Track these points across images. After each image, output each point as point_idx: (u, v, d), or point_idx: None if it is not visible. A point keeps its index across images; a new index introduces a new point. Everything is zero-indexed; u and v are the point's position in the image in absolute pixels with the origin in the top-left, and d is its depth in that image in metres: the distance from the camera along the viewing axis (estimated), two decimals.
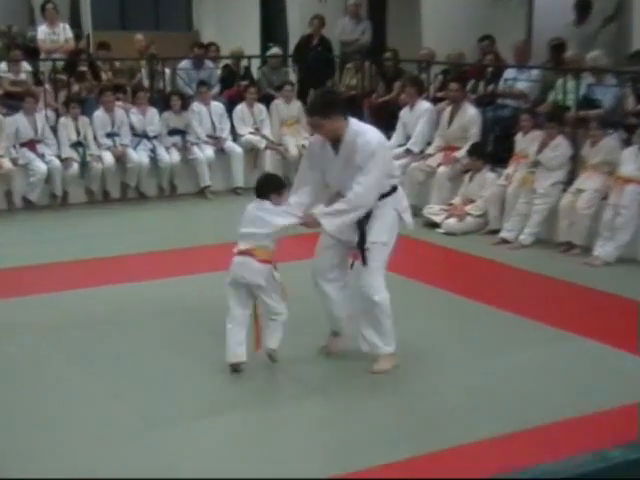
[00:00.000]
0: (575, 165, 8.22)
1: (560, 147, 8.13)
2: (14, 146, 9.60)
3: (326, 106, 4.97)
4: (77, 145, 9.87)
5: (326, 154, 5.06)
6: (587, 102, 8.44)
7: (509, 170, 8.55)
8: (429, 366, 5.35)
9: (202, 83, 10.78)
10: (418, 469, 4.12)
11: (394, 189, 5.14)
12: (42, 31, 11.46)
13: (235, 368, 5.10)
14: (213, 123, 10.65)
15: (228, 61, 11.94)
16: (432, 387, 5.06)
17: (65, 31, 11.52)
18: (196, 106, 10.60)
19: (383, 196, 5.04)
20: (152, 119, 10.33)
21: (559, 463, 1.58)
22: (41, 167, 9.52)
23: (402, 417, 4.72)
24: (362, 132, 4.98)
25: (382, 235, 5.05)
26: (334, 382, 5.16)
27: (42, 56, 11.32)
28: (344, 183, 4.98)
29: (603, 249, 7.51)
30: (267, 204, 5.16)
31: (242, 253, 5.13)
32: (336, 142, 5.00)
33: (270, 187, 5.23)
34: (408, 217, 5.23)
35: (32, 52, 11.76)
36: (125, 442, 4.40)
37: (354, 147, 4.91)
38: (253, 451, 4.33)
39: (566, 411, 4.68)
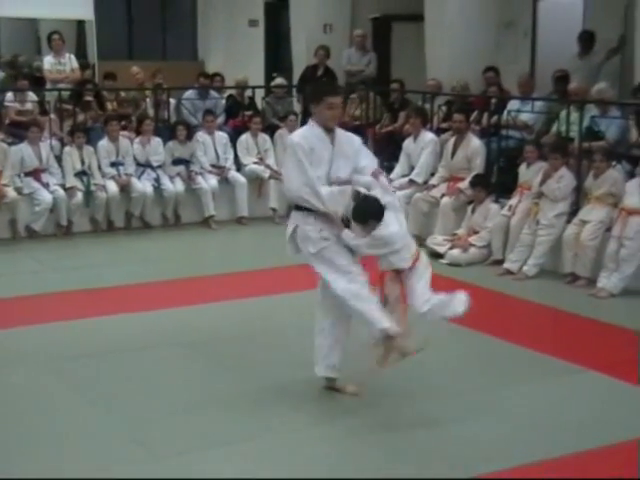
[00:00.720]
0: (579, 196, 8.21)
1: (564, 178, 8.13)
2: (19, 175, 9.62)
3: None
4: (81, 174, 9.89)
5: (325, 146, 5.11)
6: (591, 133, 8.45)
7: (513, 201, 8.55)
8: (432, 398, 5.30)
9: (208, 112, 10.83)
10: None
11: None
12: (48, 61, 11.53)
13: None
14: (217, 153, 10.68)
15: (232, 91, 11.99)
16: (435, 419, 5.02)
17: (71, 61, 11.59)
18: (200, 136, 10.64)
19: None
20: (156, 149, 10.36)
21: None
22: (46, 197, 9.54)
23: (413, 446, 4.67)
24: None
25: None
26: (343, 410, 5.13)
27: (48, 86, 11.37)
28: (337, 172, 5.08)
29: (608, 280, 7.48)
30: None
31: None
32: (331, 131, 5.14)
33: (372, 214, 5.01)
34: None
35: (38, 82, 11.83)
36: (130, 474, 4.35)
37: (345, 138, 5.18)
38: None
39: (570, 445, 4.64)
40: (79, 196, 9.74)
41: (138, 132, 10.49)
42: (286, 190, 5.25)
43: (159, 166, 10.34)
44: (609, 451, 4.56)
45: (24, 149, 9.68)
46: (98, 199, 9.85)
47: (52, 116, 10.42)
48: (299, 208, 5.12)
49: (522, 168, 8.63)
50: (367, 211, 4.98)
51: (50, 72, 11.46)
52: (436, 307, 5.15)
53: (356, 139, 5.25)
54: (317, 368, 5.28)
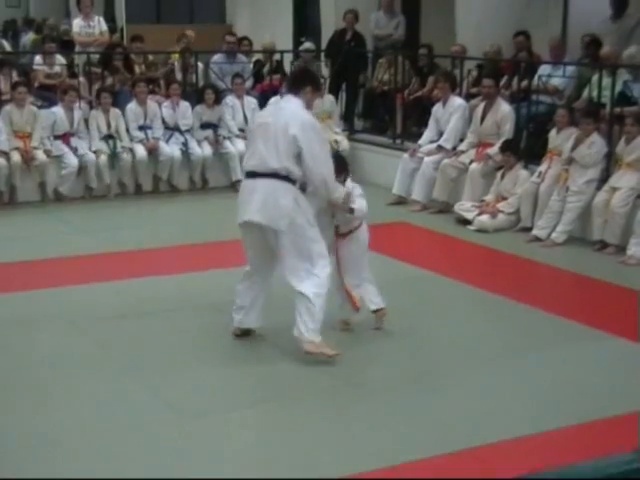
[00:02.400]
0: (610, 163, 8.12)
1: (595, 144, 8.03)
2: (48, 138, 9.67)
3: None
4: (108, 137, 9.91)
5: None
6: (623, 99, 8.33)
7: (542, 167, 8.47)
8: (461, 364, 5.31)
9: (237, 76, 10.80)
10: (446, 468, 4.11)
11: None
12: (77, 24, 11.51)
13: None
14: (245, 117, 10.66)
15: (259, 56, 11.93)
16: (465, 385, 5.03)
17: (100, 24, 11.57)
18: (230, 100, 10.61)
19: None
20: (184, 113, 10.35)
21: (595, 462, 1.55)
22: (73, 160, 9.58)
23: (435, 416, 4.68)
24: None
25: None
26: (367, 376, 5.14)
27: (77, 49, 11.37)
28: None
29: (638, 248, 7.41)
30: None
31: None
32: None
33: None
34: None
35: (66, 45, 11.83)
36: (156, 433, 4.41)
37: None
38: (282, 444, 4.33)
39: (598, 411, 4.63)
40: (102, 159, 9.75)
41: (167, 95, 10.49)
42: (319, 174, 5.15)
43: (187, 130, 10.34)
44: (632, 418, 4.54)
45: (57, 112, 9.72)
46: (123, 161, 9.87)
47: (81, 79, 10.43)
48: (302, 188, 5.25)
49: (552, 133, 8.54)
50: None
51: (79, 35, 11.45)
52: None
53: None
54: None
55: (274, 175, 5.12)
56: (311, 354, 5.12)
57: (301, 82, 5.39)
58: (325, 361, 5.17)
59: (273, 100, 5.46)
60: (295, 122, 5.13)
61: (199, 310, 6.22)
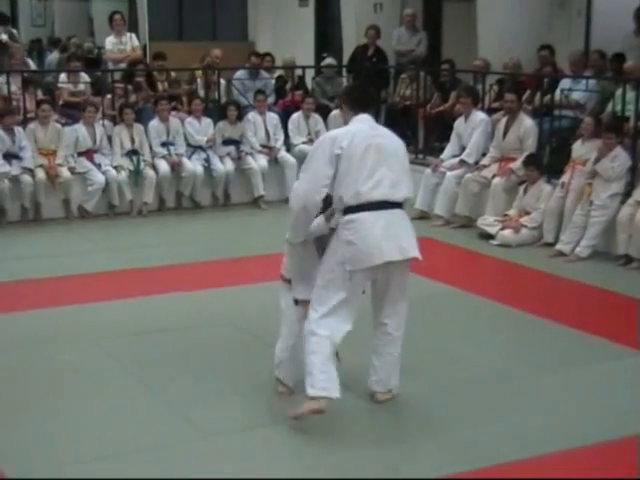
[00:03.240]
0: (634, 177, 8.06)
1: (619, 158, 7.97)
2: (72, 155, 9.75)
3: (342, 96, 4.91)
4: (131, 153, 9.98)
5: None
6: None
7: (565, 177, 8.41)
8: (487, 381, 5.26)
9: (260, 92, 10.84)
10: None
11: (344, 210, 4.52)
12: (109, 41, 11.65)
13: None
14: (267, 133, 10.70)
15: (281, 72, 11.98)
16: (486, 402, 4.98)
17: (132, 40, 11.70)
18: (252, 116, 10.65)
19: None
20: (207, 129, 10.40)
21: None
22: (99, 177, 9.65)
23: (462, 432, 4.64)
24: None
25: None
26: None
27: (110, 66, 11.50)
28: None
29: None
30: None
31: None
32: None
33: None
34: (348, 254, 4.47)
35: (90, 63, 11.94)
36: (176, 450, 4.40)
37: None
38: (300, 464, 4.30)
39: (626, 429, 4.57)
40: (124, 175, 9.77)
41: (189, 112, 10.54)
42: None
43: (210, 146, 10.39)
44: None
45: (79, 129, 9.80)
46: (148, 178, 9.91)
47: (108, 96, 10.51)
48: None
49: (577, 144, 8.48)
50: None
51: (112, 52, 11.59)
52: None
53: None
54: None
55: (400, 204, 4.62)
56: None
57: (370, 101, 4.97)
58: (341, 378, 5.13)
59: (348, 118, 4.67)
60: (400, 142, 4.79)
61: (220, 327, 6.22)
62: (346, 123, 4.75)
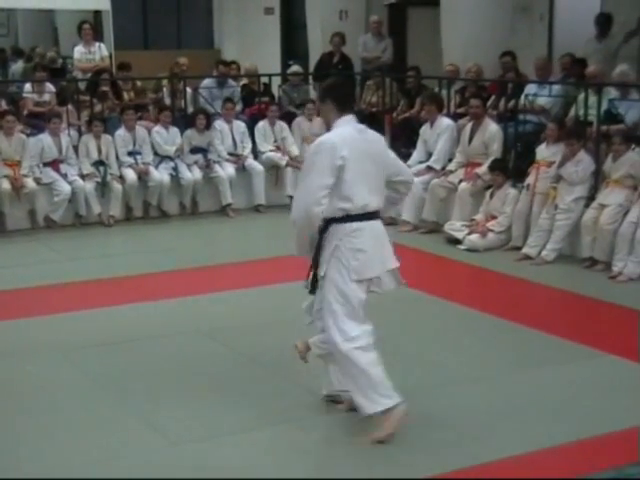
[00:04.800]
0: (598, 180, 8.16)
1: (582, 162, 8.07)
2: (37, 165, 9.68)
3: (323, 91, 4.67)
4: (99, 164, 9.93)
5: None
6: (610, 117, 8.39)
7: (530, 179, 8.49)
8: (453, 384, 5.30)
9: (228, 100, 10.85)
10: None
11: (345, 219, 4.44)
12: (78, 51, 11.59)
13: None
14: (235, 141, 10.70)
15: (246, 80, 11.98)
16: (456, 405, 5.01)
17: (101, 50, 11.66)
18: (219, 124, 10.65)
19: (330, 221, 4.47)
20: (174, 138, 10.38)
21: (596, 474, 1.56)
22: (65, 187, 9.59)
23: (430, 435, 4.66)
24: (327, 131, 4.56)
25: (324, 268, 4.51)
26: None
27: (79, 75, 11.45)
28: None
29: (624, 264, 7.45)
30: None
31: None
32: None
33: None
34: (355, 262, 4.41)
35: (54, 73, 11.86)
36: (146, 460, 4.39)
37: None
38: (275, 470, 4.30)
39: (592, 429, 4.63)
40: (90, 187, 9.72)
41: (157, 120, 10.51)
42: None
43: (177, 156, 10.36)
44: (623, 436, 4.54)
45: (44, 139, 9.73)
46: (114, 190, 9.87)
47: (69, 107, 10.45)
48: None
49: (541, 147, 8.56)
50: None
51: (80, 61, 11.53)
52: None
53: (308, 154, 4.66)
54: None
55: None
56: None
57: (351, 98, 4.86)
58: (310, 383, 5.14)
59: (343, 122, 4.46)
60: (383, 143, 4.72)
61: (188, 336, 6.20)
62: (328, 120, 4.61)
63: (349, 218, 4.43)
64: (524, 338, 6.12)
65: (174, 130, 10.41)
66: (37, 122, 10.37)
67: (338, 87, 4.69)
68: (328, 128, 4.63)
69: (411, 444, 4.52)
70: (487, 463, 4.29)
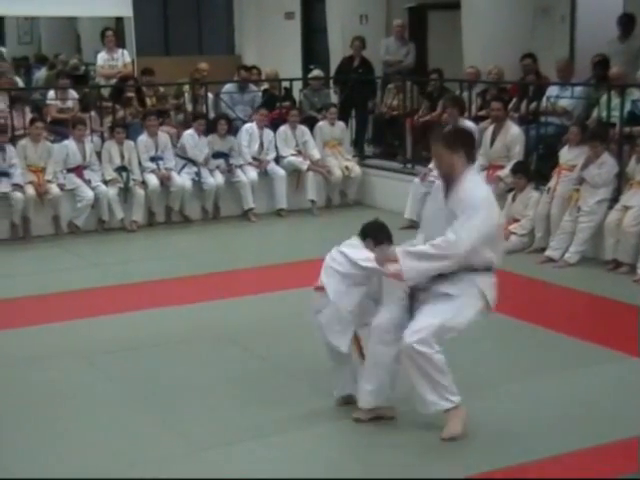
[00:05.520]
0: (621, 182, 8.10)
1: (606, 164, 8.02)
2: (61, 171, 9.75)
3: (455, 138, 4.64)
4: (121, 169, 9.99)
5: (439, 201, 4.69)
6: (633, 118, 8.33)
7: (551, 183, 8.45)
8: (478, 388, 5.27)
9: (261, 106, 10.98)
10: None
11: (487, 270, 4.64)
12: (101, 57, 11.71)
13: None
14: (262, 146, 10.72)
15: (267, 84, 12.02)
16: (481, 408, 4.99)
17: (124, 56, 11.76)
18: (249, 127, 10.68)
19: (470, 270, 4.56)
20: (203, 146, 10.41)
21: None
22: (88, 193, 9.66)
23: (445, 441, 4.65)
24: (474, 185, 4.58)
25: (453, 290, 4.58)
26: None
27: (102, 82, 11.55)
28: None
29: None
30: (357, 241, 4.90)
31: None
32: (448, 185, 4.60)
33: (375, 234, 4.93)
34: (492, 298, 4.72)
35: (77, 80, 11.96)
36: (168, 464, 4.40)
37: (460, 197, 4.52)
38: (297, 473, 4.31)
39: (615, 433, 4.60)
40: (113, 193, 9.78)
41: (187, 126, 10.58)
42: None
43: (204, 164, 10.39)
44: None
45: (69, 146, 9.81)
46: (137, 196, 9.92)
47: (92, 113, 10.53)
48: None
49: (563, 150, 8.52)
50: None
51: (103, 68, 11.62)
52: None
53: (470, 204, 4.53)
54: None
55: None
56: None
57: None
58: (327, 388, 5.14)
59: None
60: None
61: (210, 341, 6.22)
62: (451, 164, 4.59)
63: (490, 269, 4.66)
64: (547, 341, 6.09)
65: (204, 139, 10.43)
66: (60, 129, 10.46)
67: (469, 137, 4.77)
68: (446, 175, 4.61)
69: (426, 446, 4.51)
70: (502, 469, 4.27)
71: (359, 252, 4.82)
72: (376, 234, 4.92)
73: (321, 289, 4.85)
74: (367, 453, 4.52)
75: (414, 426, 4.72)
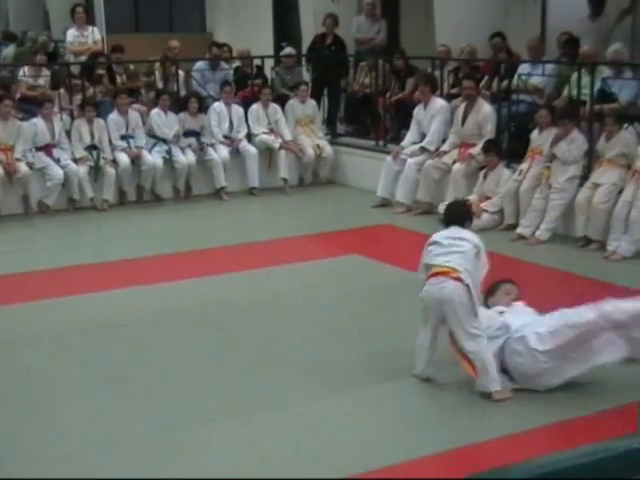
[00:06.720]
0: (591, 160, 8.16)
1: (576, 141, 8.07)
2: (30, 150, 9.64)
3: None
4: (91, 148, 9.90)
5: None
6: (603, 96, 8.38)
7: (524, 166, 8.50)
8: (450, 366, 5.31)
9: (226, 83, 10.85)
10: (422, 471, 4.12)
11: None
12: (71, 34, 11.56)
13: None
14: (232, 124, 10.66)
15: (239, 62, 11.94)
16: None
17: (94, 33, 11.61)
18: (217, 106, 10.62)
19: None
20: (172, 123, 10.32)
21: (563, 453, 1.57)
22: (58, 172, 9.56)
23: (420, 415, 4.68)
24: None
25: None
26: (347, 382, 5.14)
27: (71, 59, 11.40)
28: None
29: (618, 244, 7.46)
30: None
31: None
32: None
33: (463, 216, 5.21)
34: None
35: (49, 57, 11.81)
36: (143, 445, 4.40)
37: None
38: (271, 452, 4.32)
39: (574, 410, 4.68)
40: (83, 171, 9.70)
41: (154, 104, 10.48)
42: None
43: (174, 141, 10.31)
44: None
45: (38, 124, 9.69)
46: (107, 175, 9.84)
47: (61, 91, 10.41)
48: None
49: (534, 134, 8.57)
50: None
51: (72, 45, 11.48)
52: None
53: None
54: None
55: None
56: None
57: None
58: (309, 368, 5.16)
59: None
60: None
61: (184, 320, 6.21)
62: None
63: None
64: None
65: (172, 115, 10.35)
66: (29, 107, 10.33)
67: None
68: None
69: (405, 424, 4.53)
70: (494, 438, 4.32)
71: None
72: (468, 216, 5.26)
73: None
74: (338, 431, 4.55)
75: None
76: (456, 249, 4.94)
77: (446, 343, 4.90)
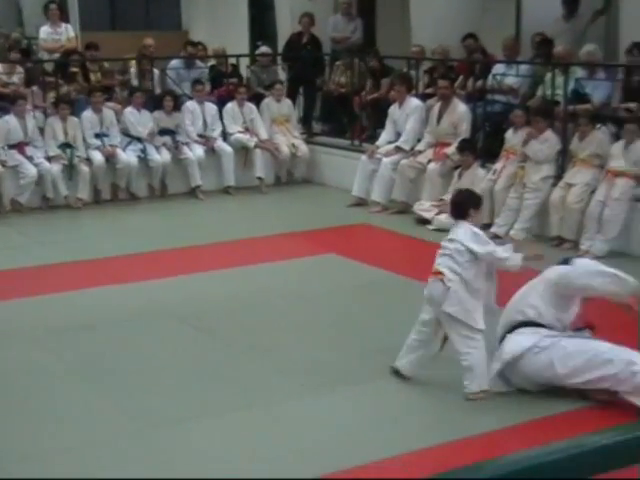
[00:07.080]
0: (565, 160, 8.22)
1: (548, 140, 8.13)
2: (2, 148, 9.55)
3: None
4: (65, 146, 9.83)
5: None
6: (577, 96, 8.44)
7: (498, 165, 8.55)
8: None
9: (198, 81, 10.79)
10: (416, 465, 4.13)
11: None
12: (44, 31, 11.48)
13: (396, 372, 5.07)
14: (205, 122, 10.63)
15: (214, 61, 11.90)
16: (429, 386, 5.05)
17: (67, 31, 11.53)
18: (190, 105, 10.58)
19: None
20: (146, 121, 10.28)
21: (536, 450, 1.58)
22: (31, 170, 9.48)
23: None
24: None
25: None
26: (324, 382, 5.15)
27: (45, 56, 11.31)
28: None
29: (592, 243, 7.52)
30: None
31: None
32: None
33: (468, 204, 5.17)
34: None
35: (20, 54, 11.72)
36: (122, 444, 4.38)
37: None
38: (251, 451, 4.32)
39: (538, 411, 4.72)
40: (57, 169, 9.63)
41: (128, 102, 10.42)
42: None
43: (149, 139, 10.26)
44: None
45: (10, 121, 9.61)
46: (82, 173, 9.78)
47: (35, 88, 10.33)
48: None
49: (509, 133, 8.62)
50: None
51: (46, 42, 11.39)
52: None
53: None
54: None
55: None
56: None
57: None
58: (290, 367, 5.15)
59: None
60: None
61: (160, 319, 6.19)
62: None
63: None
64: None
65: (146, 113, 10.31)
66: (2, 104, 10.22)
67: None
68: None
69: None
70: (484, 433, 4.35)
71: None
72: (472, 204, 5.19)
73: None
74: (320, 429, 4.55)
75: None
76: (445, 251, 5.02)
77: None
